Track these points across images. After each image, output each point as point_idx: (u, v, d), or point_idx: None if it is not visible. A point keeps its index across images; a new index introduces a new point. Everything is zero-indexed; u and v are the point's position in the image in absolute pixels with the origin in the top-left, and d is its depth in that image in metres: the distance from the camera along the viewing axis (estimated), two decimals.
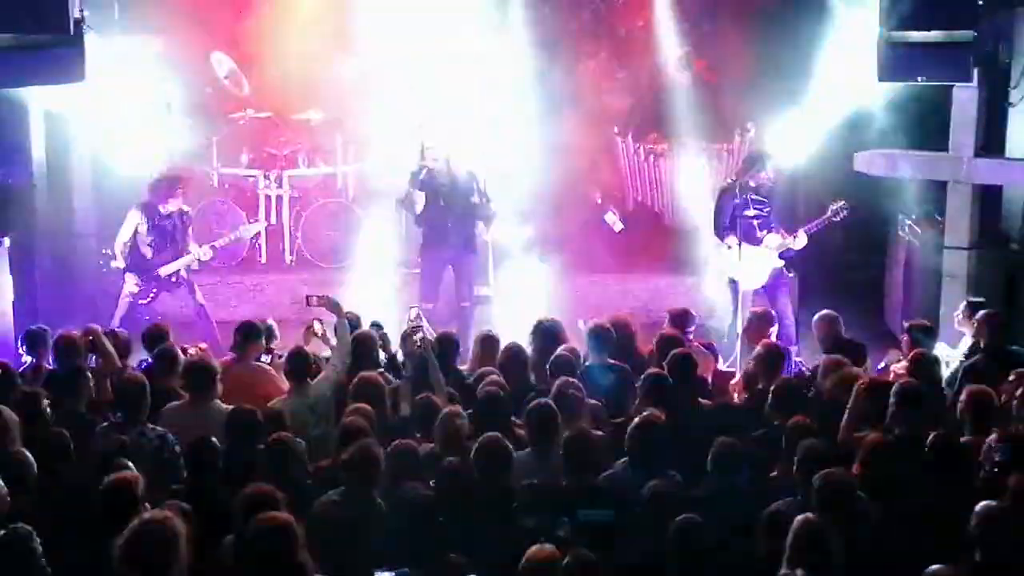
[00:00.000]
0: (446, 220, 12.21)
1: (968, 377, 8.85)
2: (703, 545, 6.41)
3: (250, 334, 9.52)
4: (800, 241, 11.95)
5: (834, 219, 11.92)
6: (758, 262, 11.94)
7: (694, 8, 15.23)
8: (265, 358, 9.74)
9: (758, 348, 9.39)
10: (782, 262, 12.11)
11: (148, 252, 12.07)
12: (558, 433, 7.59)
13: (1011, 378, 8.37)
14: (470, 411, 8.06)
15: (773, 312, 11.06)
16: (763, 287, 12.07)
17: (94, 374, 8.87)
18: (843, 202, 11.87)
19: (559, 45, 14.46)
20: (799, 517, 6.25)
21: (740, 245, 11.72)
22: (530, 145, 13.76)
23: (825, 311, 10.08)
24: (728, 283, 12.28)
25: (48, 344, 9.42)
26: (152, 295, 12.16)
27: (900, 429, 7.69)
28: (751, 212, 11.91)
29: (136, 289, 12.10)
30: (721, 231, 12.12)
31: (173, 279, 12.17)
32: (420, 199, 12.18)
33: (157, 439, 7.87)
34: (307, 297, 9.55)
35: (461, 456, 7.36)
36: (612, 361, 9.35)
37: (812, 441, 7.24)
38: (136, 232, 12.07)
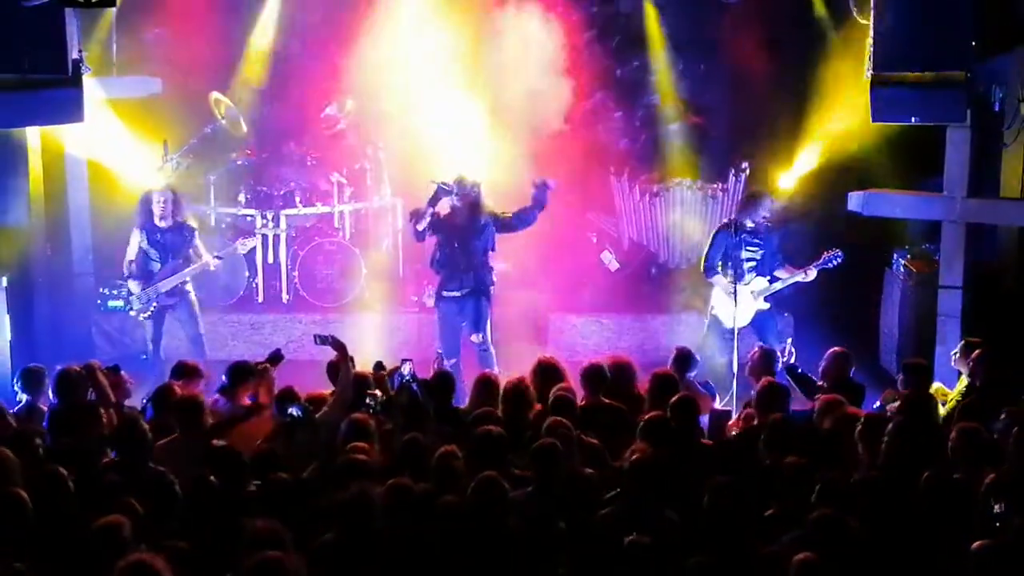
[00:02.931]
0: (459, 263, 12.09)
1: (964, 416, 8.86)
2: None
3: (240, 374, 9.56)
4: (811, 275, 12.03)
5: (827, 266, 11.94)
6: (743, 303, 11.95)
7: (689, 49, 15.34)
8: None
9: (759, 385, 9.41)
10: (767, 305, 12.15)
11: (156, 267, 12.35)
12: (560, 472, 7.59)
13: (1002, 417, 8.41)
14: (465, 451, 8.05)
15: (777, 352, 10.98)
16: (751, 326, 12.09)
17: (92, 410, 8.87)
18: (838, 251, 11.91)
19: (554, 86, 14.50)
20: (798, 556, 6.30)
21: (733, 284, 11.78)
22: (525, 184, 13.77)
23: (839, 348, 10.07)
24: (711, 320, 12.35)
25: (44, 383, 9.41)
26: (152, 308, 12.37)
27: (895, 467, 7.71)
28: (744, 253, 11.94)
29: (137, 301, 12.33)
30: (709, 270, 12.19)
31: (175, 295, 12.40)
32: (427, 216, 12.02)
33: (155, 477, 7.86)
34: (315, 336, 9.59)
35: (457, 496, 7.37)
36: (608, 401, 9.36)
37: (828, 479, 7.26)
38: (140, 250, 12.34)
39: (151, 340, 12.55)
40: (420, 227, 12.02)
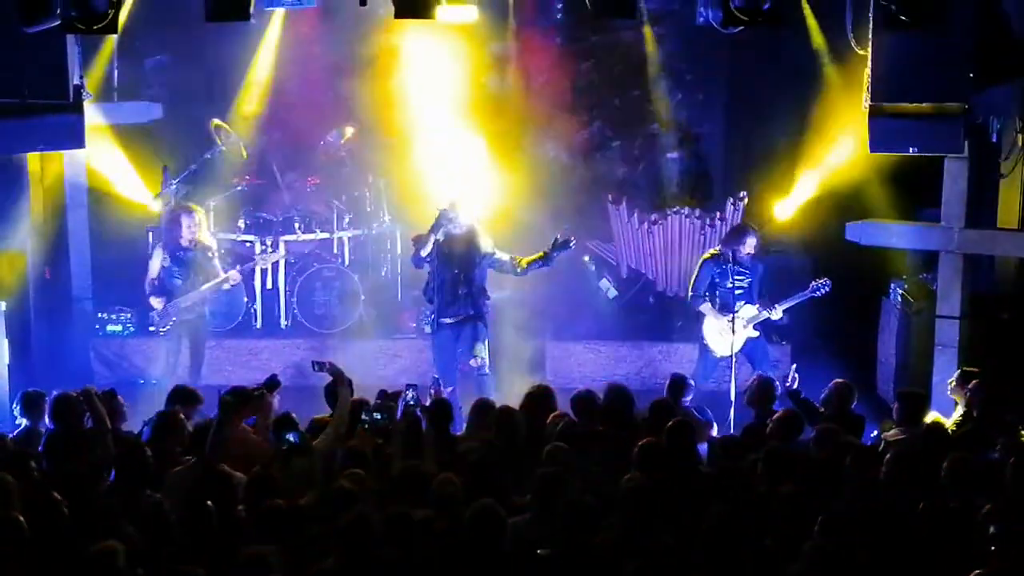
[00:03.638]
0: (458, 289, 12.08)
1: (960, 446, 8.86)
2: None
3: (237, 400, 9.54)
4: (776, 313, 12.03)
5: (814, 295, 11.96)
6: (732, 331, 11.95)
7: (688, 78, 15.40)
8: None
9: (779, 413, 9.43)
10: (756, 332, 12.16)
11: (179, 283, 12.46)
12: (562, 499, 7.59)
13: (997, 447, 8.42)
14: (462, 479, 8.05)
15: (775, 381, 10.94)
16: (743, 354, 12.10)
17: (90, 435, 8.87)
18: (825, 279, 11.93)
19: (554, 115, 14.57)
20: None
21: (726, 313, 11.81)
22: (524, 213, 13.83)
23: (842, 380, 10.08)
24: (699, 349, 12.37)
25: (43, 408, 9.41)
26: (171, 323, 12.47)
27: (894, 496, 7.72)
28: (730, 283, 11.94)
29: (158, 316, 12.48)
30: (696, 299, 12.22)
31: (193, 312, 12.51)
32: (431, 242, 12.00)
33: (153, 505, 7.85)
34: (312, 362, 9.59)
35: (455, 522, 7.37)
36: (602, 428, 9.36)
37: (832, 509, 7.27)
38: (162, 267, 12.46)
39: (170, 353, 12.58)
40: (424, 253, 12.00)
